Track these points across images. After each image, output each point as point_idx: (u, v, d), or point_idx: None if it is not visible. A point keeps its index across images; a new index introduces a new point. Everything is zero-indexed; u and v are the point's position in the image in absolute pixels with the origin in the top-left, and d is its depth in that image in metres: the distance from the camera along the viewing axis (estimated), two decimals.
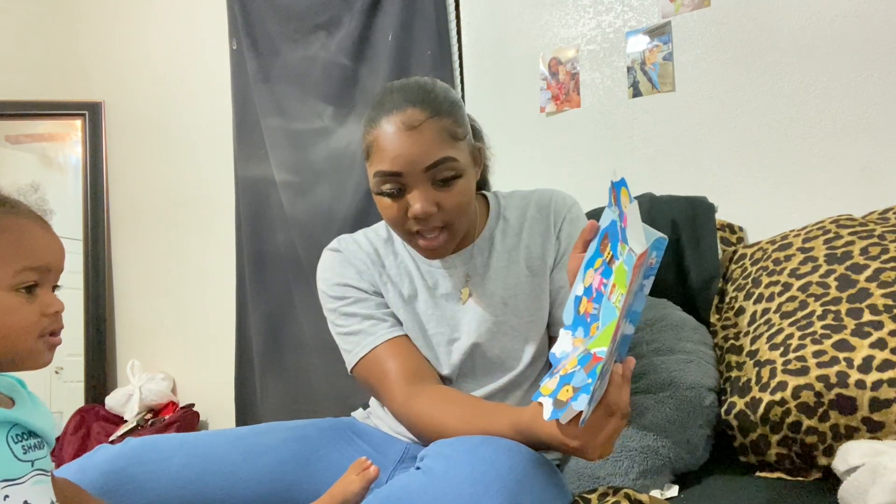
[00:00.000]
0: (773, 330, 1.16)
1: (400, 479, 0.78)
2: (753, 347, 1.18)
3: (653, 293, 1.39)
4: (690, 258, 1.40)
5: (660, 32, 1.70)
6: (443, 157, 0.94)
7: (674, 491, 1.04)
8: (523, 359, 1.09)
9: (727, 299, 1.37)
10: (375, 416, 1.19)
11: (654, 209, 1.46)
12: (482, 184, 1.23)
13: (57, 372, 2.69)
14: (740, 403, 1.12)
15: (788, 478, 1.05)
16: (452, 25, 2.06)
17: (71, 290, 2.65)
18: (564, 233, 1.11)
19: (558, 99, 1.87)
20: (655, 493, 1.03)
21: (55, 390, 2.67)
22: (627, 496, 0.87)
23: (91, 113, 2.83)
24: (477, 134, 1.14)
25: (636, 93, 1.74)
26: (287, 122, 2.37)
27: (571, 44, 1.86)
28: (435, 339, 1.11)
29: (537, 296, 1.10)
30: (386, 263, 1.14)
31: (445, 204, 0.96)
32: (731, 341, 1.27)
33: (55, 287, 0.77)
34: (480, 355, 1.10)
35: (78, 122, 2.83)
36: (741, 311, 1.29)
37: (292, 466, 1.03)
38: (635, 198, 1.53)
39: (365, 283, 1.12)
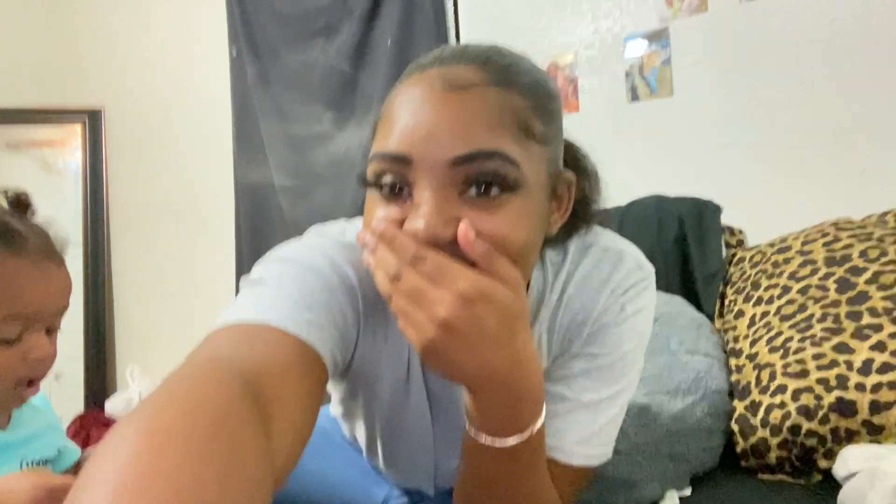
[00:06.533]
0: (772, 333, 1.16)
1: None
2: (753, 350, 1.18)
3: (659, 288, 1.39)
4: (695, 255, 1.43)
5: (658, 37, 1.70)
6: (490, 150, 0.54)
7: (687, 491, 1.04)
8: None
9: (727, 302, 1.37)
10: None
11: (662, 208, 1.49)
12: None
13: (57, 378, 2.68)
14: (740, 407, 1.12)
15: (790, 480, 1.05)
16: (451, 31, 2.07)
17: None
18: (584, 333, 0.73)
19: None
20: (672, 493, 1.03)
21: (55, 396, 2.66)
22: None
23: (91, 119, 2.83)
24: (581, 168, 0.72)
25: (634, 97, 1.74)
26: (287, 126, 2.38)
27: (570, 49, 1.86)
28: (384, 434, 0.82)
29: None
30: (377, 331, 0.70)
31: (479, 231, 0.54)
32: (731, 344, 1.27)
33: (51, 330, 0.72)
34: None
35: (78, 128, 2.83)
36: (740, 314, 1.29)
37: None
38: (640, 200, 1.54)
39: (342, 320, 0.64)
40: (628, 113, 1.75)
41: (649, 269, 0.75)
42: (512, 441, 0.59)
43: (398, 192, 0.57)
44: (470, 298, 0.51)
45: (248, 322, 0.54)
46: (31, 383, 0.70)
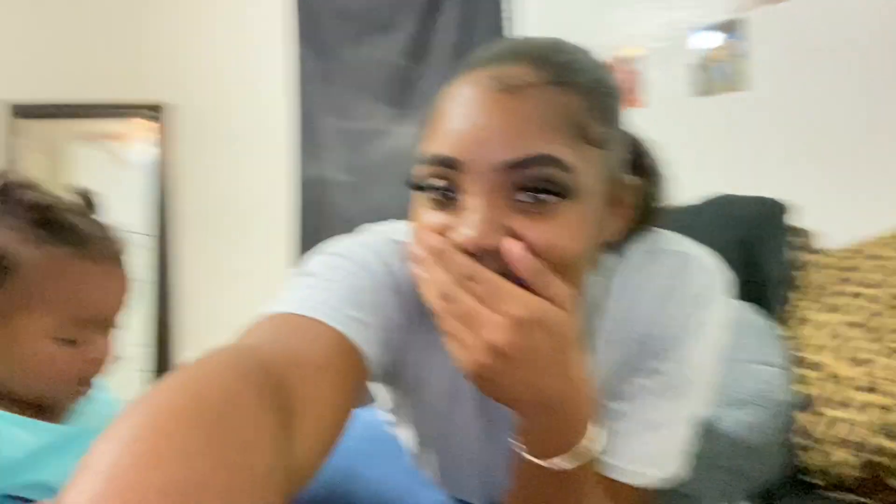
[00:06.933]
0: (842, 342, 1.11)
1: None
2: (821, 360, 1.13)
3: None
4: (761, 258, 1.38)
5: (731, 29, 1.65)
6: (542, 155, 0.51)
7: None
8: None
9: (794, 309, 1.32)
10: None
11: (727, 208, 1.45)
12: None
13: (121, 361, 2.79)
14: (805, 419, 1.07)
15: (858, 499, 1.00)
16: (512, 26, 2.05)
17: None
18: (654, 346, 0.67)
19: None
20: None
21: (119, 378, 2.77)
22: None
23: (160, 114, 2.93)
24: (645, 168, 0.67)
25: (704, 91, 1.69)
26: (346, 122, 2.41)
27: (636, 41, 1.82)
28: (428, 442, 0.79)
29: None
30: (427, 338, 0.64)
31: (530, 240, 0.52)
32: (798, 353, 1.22)
33: (110, 329, 0.73)
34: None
35: (147, 123, 2.94)
36: (809, 321, 1.24)
37: (328, 489, 0.84)
38: (705, 199, 1.49)
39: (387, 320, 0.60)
40: (698, 107, 1.70)
41: (722, 276, 0.68)
42: (558, 461, 0.57)
43: (446, 196, 0.54)
44: (524, 324, 0.49)
45: (292, 313, 0.53)
46: (87, 382, 0.71)
